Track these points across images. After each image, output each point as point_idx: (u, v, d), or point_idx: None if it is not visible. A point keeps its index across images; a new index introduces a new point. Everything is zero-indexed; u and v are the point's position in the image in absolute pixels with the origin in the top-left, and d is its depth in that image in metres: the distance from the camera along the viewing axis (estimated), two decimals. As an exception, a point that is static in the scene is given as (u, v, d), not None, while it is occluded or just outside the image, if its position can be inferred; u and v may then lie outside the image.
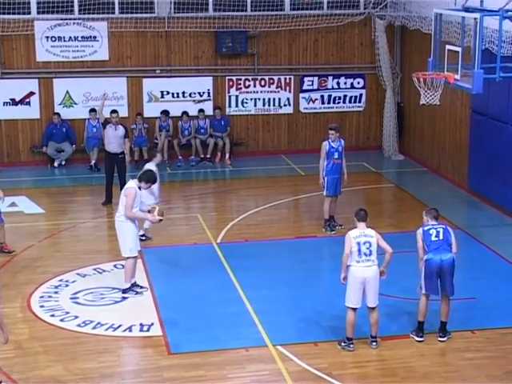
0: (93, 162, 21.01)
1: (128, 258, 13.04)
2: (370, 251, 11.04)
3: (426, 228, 11.49)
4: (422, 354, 11.12)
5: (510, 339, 11.53)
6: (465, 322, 12.05)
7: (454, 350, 11.23)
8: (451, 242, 11.42)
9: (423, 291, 11.43)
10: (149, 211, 13.17)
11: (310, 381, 10.46)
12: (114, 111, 18.35)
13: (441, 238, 11.36)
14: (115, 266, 14.29)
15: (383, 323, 11.78)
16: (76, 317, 12.31)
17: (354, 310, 11.20)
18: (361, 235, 11.12)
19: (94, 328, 11.93)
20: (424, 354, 11.12)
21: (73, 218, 17.30)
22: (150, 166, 15.10)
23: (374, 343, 11.34)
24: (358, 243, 11.05)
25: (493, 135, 17.55)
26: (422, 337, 11.49)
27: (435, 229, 11.45)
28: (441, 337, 11.54)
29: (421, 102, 13.98)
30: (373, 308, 11.24)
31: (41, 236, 16.03)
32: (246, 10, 21.86)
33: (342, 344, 11.29)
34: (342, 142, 16.03)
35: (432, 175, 20.66)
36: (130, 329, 11.91)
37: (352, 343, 11.25)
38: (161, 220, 13.32)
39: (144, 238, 15.33)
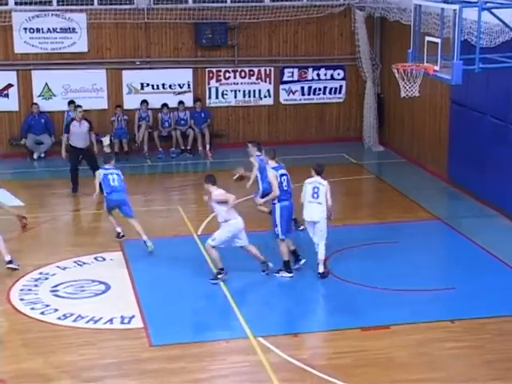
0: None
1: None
2: (318, 195, 13.06)
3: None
4: (401, 345, 11.16)
5: (489, 329, 11.61)
6: (444, 312, 12.14)
7: (433, 340, 11.28)
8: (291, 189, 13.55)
9: (281, 236, 13.37)
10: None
11: (291, 372, 10.49)
12: (77, 106, 18.15)
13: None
14: (96, 258, 14.28)
15: (364, 313, 11.86)
16: (56, 310, 12.28)
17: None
18: (314, 182, 13.18)
19: (75, 321, 11.91)
20: (403, 345, 11.16)
21: (52, 210, 17.22)
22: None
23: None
24: (312, 187, 13.14)
25: (472, 126, 17.62)
26: (291, 272, 13.29)
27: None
28: (298, 261, 13.53)
29: (401, 95, 14.01)
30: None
31: (20, 229, 15.92)
32: (225, 2, 21.80)
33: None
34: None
35: (412, 166, 20.71)
36: (110, 321, 11.90)
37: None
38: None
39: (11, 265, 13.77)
